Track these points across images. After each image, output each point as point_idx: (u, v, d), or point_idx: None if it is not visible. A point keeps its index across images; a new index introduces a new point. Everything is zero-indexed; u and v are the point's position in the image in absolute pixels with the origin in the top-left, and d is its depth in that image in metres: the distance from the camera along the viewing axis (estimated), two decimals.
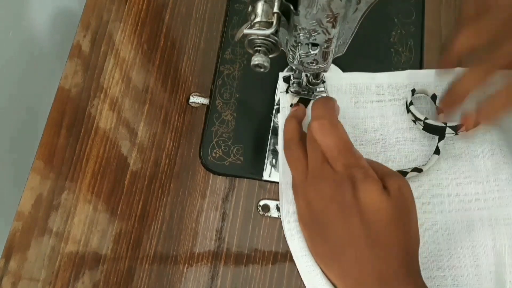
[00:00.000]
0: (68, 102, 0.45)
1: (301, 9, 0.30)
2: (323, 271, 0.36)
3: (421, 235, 0.41)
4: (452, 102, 0.37)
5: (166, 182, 0.44)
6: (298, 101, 0.44)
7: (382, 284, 0.33)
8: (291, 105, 0.44)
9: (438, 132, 0.41)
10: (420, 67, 0.47)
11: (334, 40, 0.33)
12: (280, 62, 0.43)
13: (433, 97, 0.42)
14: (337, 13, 0.30)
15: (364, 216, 0.33)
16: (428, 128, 0.41)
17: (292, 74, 0.44)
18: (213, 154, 0.45)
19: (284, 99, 0.44)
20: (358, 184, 0.33)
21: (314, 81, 0.43)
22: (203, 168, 0.45)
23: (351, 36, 0.36)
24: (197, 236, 0.43)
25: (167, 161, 0.45)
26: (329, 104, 0.38)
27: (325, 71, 0.39)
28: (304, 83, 0.44)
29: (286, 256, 0.42)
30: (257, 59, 0.32)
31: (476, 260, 0.39)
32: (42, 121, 0.45)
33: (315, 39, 0.33)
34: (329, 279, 0.36)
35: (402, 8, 0.48)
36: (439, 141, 0.41)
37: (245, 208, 0.43)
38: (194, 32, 0.49)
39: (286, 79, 0.45)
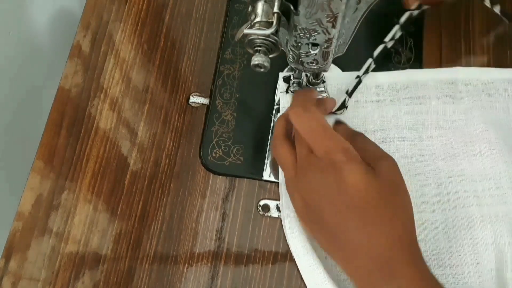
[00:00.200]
0: (68, 102, 0.45)
1: (301, 9, 0.30)
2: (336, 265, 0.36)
3: (422, 234, 0.41)
4: None
5: (166, 182, 0.44)
6: None
7: (382, 268, 0.32)
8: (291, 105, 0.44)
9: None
10: (420, 67, 0.47)
11: (334, 40, 0.33)
12: (280, 62, 0.43)
13: None
14: (337, 13, 0.30)
15: (352, 199, 0.33)
16: None
17: (292, 74, 0.44)
18: (213, 154, 0.45)
19: (284, 99, 0.44)
20: (341, 167, 0.33)
21: (314, 81, 0.43)
22: (203, 168, 0.45)
23: (351, 36, 0.36)
24: (197, 236, 0.43)
25: (167, 161, 0.45)
26: (307, 94, 0.38)
27: (325, 71, 0.39)
28: (304, 83, 0.44)
29: (286, 256, 0.42)
30: (257, 59, 0.32)
31: (477, 258, 0.39)
32: (42, 121, 0.45)
33: (315, 39, 0.33)
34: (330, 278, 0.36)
35: (402, 7, 0.48)
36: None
37: (245, 208, 0.43)
38: (194, 32, 0.49)
39: (286, 79, 0.45)
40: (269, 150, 0.45)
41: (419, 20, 0.48)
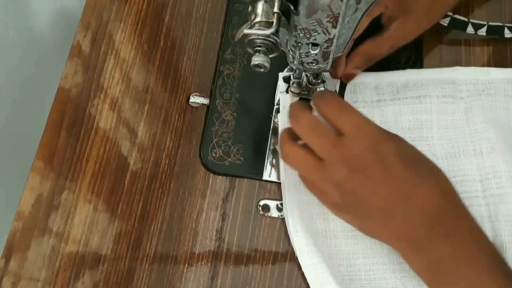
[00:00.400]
0: (68, 102, 0.45)
1: (301, 9, 0.30)
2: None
3: None
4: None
5: (166, 182, 0.44)
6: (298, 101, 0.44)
7: (438, 223, 0.33)
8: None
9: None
10: (420, 67, 0.47)
11: (334, 40, 0.33)
12: (280, 62, 0.43)
13: None
14: (338, 13, 0.30)
15: (395, 165, 0.34)
16: None
17: (292, 74, 0.44)
18: (213, 154, 0.45)
19: (284, 99, 0.44)
20: (376, 139, 0.35)
21: (314, 81, 0.43)
22: (203, 168, 0.45)
23: (351, 36, 0.36)
24: (197, 236, 0.43)
25: (167, 161, 0.45)
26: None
27: (325, 71, 0.39)
28: (304, 83, 0.44)
29: (286, 256, 0.42)
30: (257, 59, 0.32)
31: None
32: (42, 121, 0.45)
33: (315, 39, 0.33)
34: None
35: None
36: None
37: (245, 208, 0.43)
38: (194, 32, 0.49)
39: (286, 79, 0.45)
40: (269, 150, 0.45)
41: None
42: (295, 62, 0.38)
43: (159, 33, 0.49)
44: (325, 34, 0.32)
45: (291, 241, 0.40)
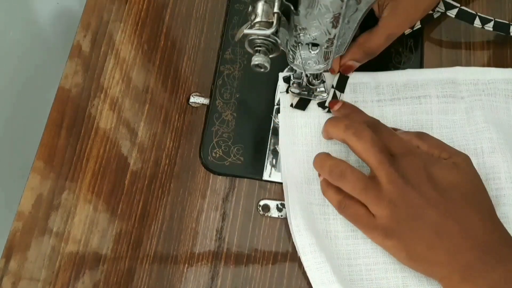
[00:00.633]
0: (68, 102, 0.45)
1: (301, 9, 0.30)
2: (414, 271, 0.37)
3: None
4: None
5: (166, 182, 0.44)
6: (298, 101, 0.44)
7: (488, 253, 0.34)
8: (291, 105, 0.44)
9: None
10: (420, 67, 0.47)
11: (335, 40, 0.33)
12: (280, 62, 0.43)
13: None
14: (338, 13, 0.30)
15: (444, 193, 0.35)
16: None
17: (292, 74, 0.44)
18: (213, 154, 0.45)
19: (284, 99, 0.44)
20: (430, 167, 0.36)
21: (314, 81, 0.43)
22: (203, 168, 0.45)
23: (351, 36, 0.36)
24: (197, 236, 0.43)
25: (167, 161, 0.45)
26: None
27: (325, 71, 0.39)
28: (304, 83, 0.44)
29: (286, 256, 0.42)
30: (257, 59, 0.32)
31: None
32: (42, 121, 0.45)
33: (316, 39, 0.33)
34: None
35: None
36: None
37: (245, 208, 0.43)
38: (194, 32, 0.49)
39: (286, 79, 0.45)
40: (269, 150, 0.45)
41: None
42: (295, 62, 0.38)
43: (159, 33, 0.49)
44: (326, 34, 0.32)
45: (293, 241, 0.40)
